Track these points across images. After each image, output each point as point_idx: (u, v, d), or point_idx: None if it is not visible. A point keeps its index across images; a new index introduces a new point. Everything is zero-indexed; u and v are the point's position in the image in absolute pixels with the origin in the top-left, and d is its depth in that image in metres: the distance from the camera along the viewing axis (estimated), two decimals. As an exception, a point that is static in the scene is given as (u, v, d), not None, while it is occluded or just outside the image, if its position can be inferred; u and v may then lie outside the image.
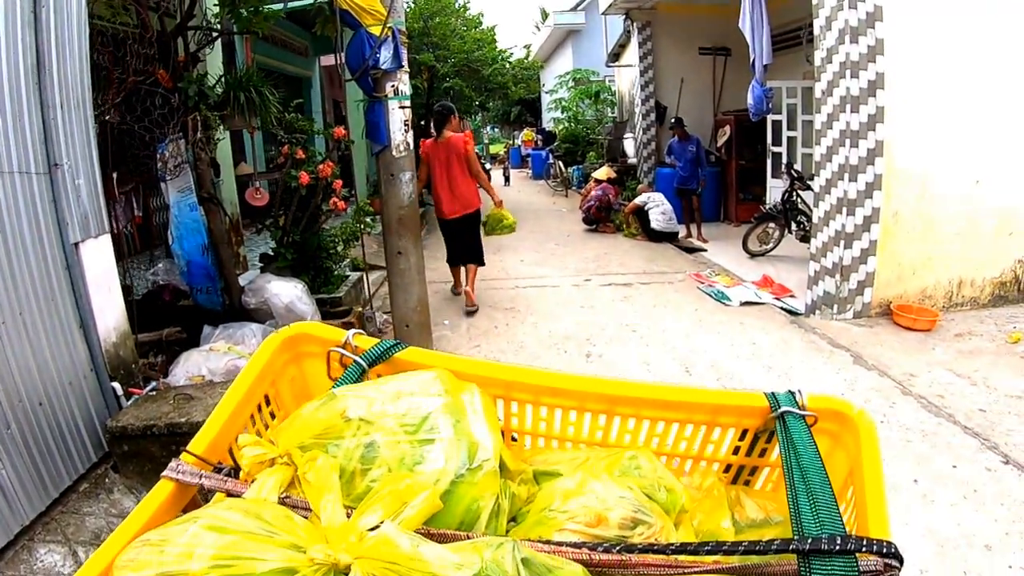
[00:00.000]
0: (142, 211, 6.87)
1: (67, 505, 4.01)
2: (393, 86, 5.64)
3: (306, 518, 0.78)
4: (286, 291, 5.73)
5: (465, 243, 8.25)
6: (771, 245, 10.83)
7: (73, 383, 4.20)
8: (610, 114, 19.99)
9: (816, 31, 7.58)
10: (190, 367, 4.85)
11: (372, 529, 0.69)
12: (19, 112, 3.84)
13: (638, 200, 12.67)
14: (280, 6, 6.66)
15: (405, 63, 5.73)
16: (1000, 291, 8.28)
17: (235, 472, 0.94)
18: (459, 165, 7.96)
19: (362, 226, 7.31)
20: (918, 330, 7.22)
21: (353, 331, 1.15)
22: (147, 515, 0.81)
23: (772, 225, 10.70)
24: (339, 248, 7.15)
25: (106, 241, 4.53)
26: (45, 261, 4.02)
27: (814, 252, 7.89)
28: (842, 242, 7.42)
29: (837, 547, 0.71)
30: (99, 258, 4.45)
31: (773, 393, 1.07)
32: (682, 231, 12.60)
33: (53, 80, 4.08)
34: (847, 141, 7.21)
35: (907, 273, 7.77)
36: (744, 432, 1.12)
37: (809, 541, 0.73)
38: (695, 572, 0.77)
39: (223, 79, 5.99)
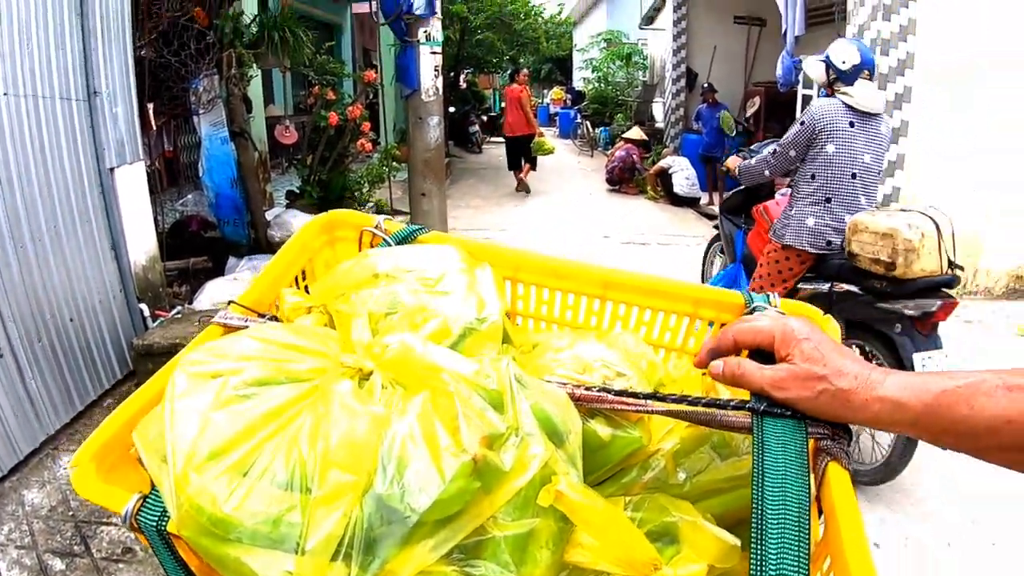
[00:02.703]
0: (172, 146, 6.99)
1: (91, 418, 4.17)
2: (425, 32, 5.71)
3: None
4: None
5: (522, 152, 13.43)
6: (791, 219, 10.80)
7: (103, 302, 4.37)
8: (640, 77, 19.90)
9: (849, 6, 7.56)
10: (215, 295, 4.98)
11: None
12: (61, 40, 3.97)
13: (662, 163, 12.72)
14: None
15: (438, 10, 5.80)
16: (1015, 284, 8.13)
17: (277, 321, 1.08)
18: (518, 105, 13.21)
19: (388, 169, 7.38)
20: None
21: (383, 216, 1.28)
22: (194, 352, 0.93)
23: (793, 198, 10.69)
24: (364, 189, 7.20)
25: (140, 168, 4.69)
26: (82, 184, 4.18)
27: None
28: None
29: (789, 411, 0.80)
30: (133, 184, 4.61)
31: (750, 292, 1.18)
32: (704, 197, 12.58)
33: (95, 9, 4.21)
34: (871, 120, 7.16)
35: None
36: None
37: (764, 403, 0.82)
38: (657, 411, 0.90)
39: (258, 18, 6.10)
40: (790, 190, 4.44)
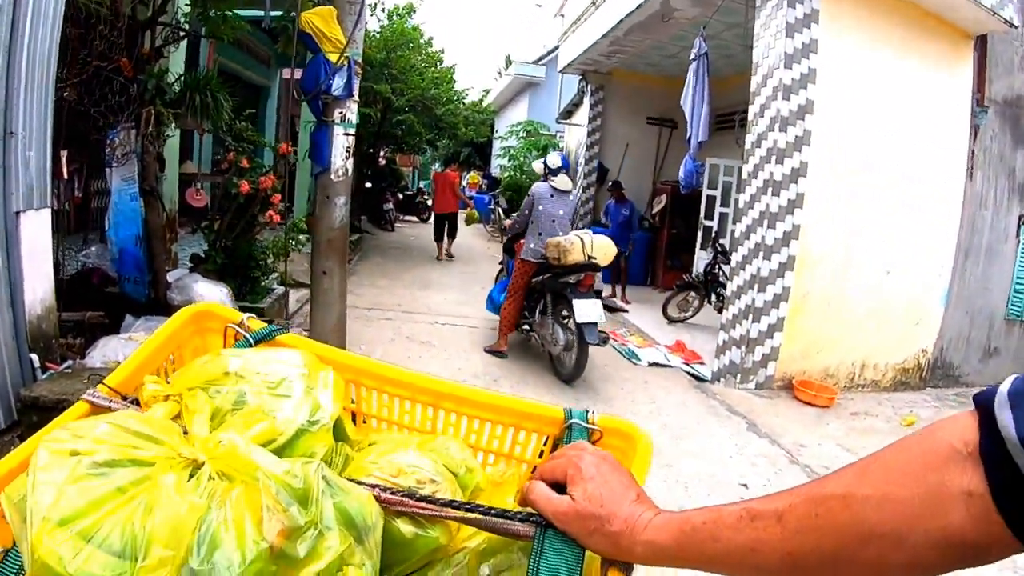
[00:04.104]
0: (82, 192, 6.88)
1: (-32, 466, 4.07)
2: (341, 113, 5.81)
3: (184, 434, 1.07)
4: (211, 294, 5.81)
5: (450, 225, 16.46)
6: (690, 313, 11.21)
7: (-7, 347, 4.23)
8: (556, 168, 20.24)
9: (750, 117, 8.03)
10: (108, 352, 4.91)
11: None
12: (-16, 76, 3.91)
13: (568, 257, 12.97)
14: (251, 13, 6.78)
15: (356, 93, 5.89)
16: (902, 377, 8.76)
17: (139, 404, 1.20)
18: (450, 187, 16.43)
19: (293, 242, 7.42)
20: (816, 406, 7.56)
21: (248, 315, 1.39)
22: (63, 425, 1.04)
23: (692, 294, 11.09)
24: (269, 260, 7.22)
25: (46, 215, 4.60)
26: (-16, 224, 4.05)
27: (724, 323, 8.27)
28: (750, 316, 7.78)
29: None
30: (37, 231, 4.53)
31: (570, 409, 1.29)
32: (606, 290, 12.80)
33: (23, 49, 4.15)
34: (765, 222, 7.62)
35: (812, 351, 8.17)
36: (547, 439, 1.35)
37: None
38: (451, 517, 1.03)
39: (182, 78, 6.08)
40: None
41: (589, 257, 7.22)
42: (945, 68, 8.61)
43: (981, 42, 8.95)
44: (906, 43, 8.25)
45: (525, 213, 7.86)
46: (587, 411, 1.30)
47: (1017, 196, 9.77)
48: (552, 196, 7.73)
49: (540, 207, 7.69)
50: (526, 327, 8.25)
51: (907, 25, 8.24)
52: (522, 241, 7.95)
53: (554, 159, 7.90)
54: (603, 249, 7.41)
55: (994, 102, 9.23)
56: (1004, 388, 0.68)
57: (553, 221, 7.68)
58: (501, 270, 9.56)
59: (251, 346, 1.35)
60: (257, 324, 1.40)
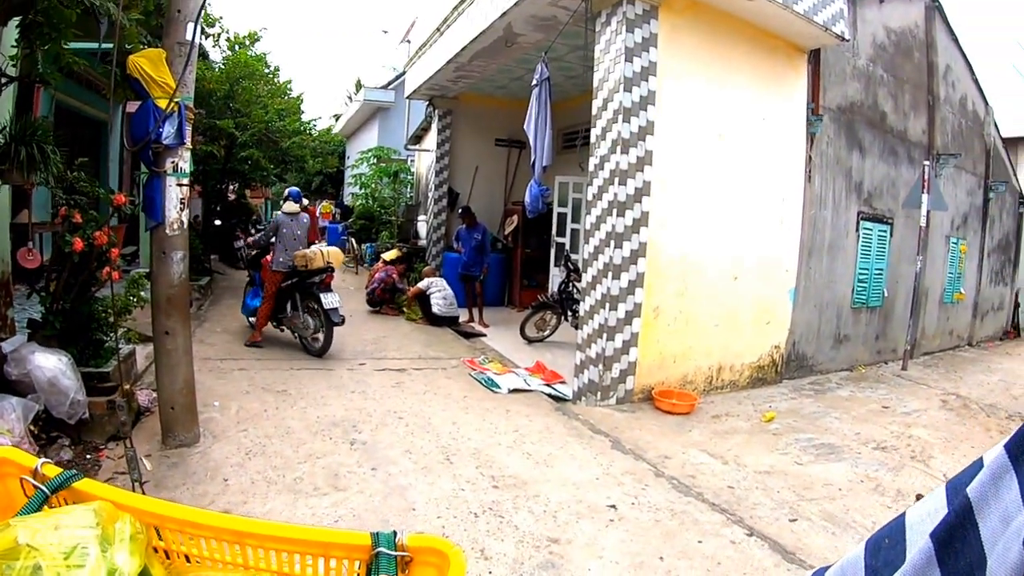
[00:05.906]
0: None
1: None
2: (174, 162, 5.58)
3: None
4: (50, 364, 5.46)
5: None
6: (548, 332, 11.39)
7: None
8: (408, 194, 20.44)
9: (592, 139, 8.21)
10: (-65, 441, 4.63)
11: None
12: None
13: (421, 285, 13.10)
14: (87, 45, 6.41)
15: (188, 140, 5.65)
16: (759, 374, 9.22)
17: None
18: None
19: (134, 299, 7.11)
20: (678, 413, 7.78)
21: (43, 460, 1.35)
22: None
23: (549, 313, 11.26)
24: (111, 320, 6.85)
25: None
26: None
27: (580, 343, 8.39)
28: (605, 335, 7.90)
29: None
30: None
31: (378, 533, 1.29)
32: (464, 315, 12.98)
33: None
34: (612, 242, 7.78)
35: (668, 361, 8.41)
36: (359, 563, 1.35)
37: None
38: None
39: (6, 130, 5.75)
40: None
41: (328, 263, 9.83)
42: (782, 81, 9.15)
43: (815, 55, 9.58)
44: (744, 60, 8.72)
45: (270, 235, 10.14)
46: (395, 533, 1.30)
47: (855, 195, 10.61)
48: (290, 219, 9.95)
49: (284, 230, 9.84)
50: (273, 322, 10.42)
51: (744, 43, 8.71)
52: (268, 257, 10.13)
53: (284, 193, 10.53)
54: (335, 255, 10.07)
55: (829, 110, 9.87)
56: None
57: (294, 238, 9.93)
58: (249, 282, 11.39)
59: (47, 497, 1.31)
60: (52, 471, 1.36)
